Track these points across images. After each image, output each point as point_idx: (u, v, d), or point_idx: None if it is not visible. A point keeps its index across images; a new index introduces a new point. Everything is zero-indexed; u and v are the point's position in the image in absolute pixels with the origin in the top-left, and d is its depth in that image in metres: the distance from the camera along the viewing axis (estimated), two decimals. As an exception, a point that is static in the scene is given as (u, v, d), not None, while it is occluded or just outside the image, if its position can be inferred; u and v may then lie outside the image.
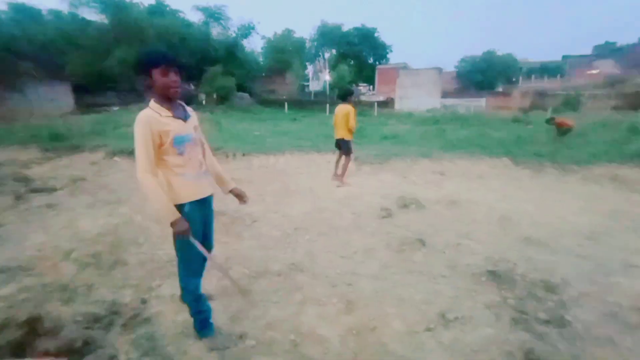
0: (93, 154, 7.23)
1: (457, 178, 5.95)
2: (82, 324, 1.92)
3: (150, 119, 1.61)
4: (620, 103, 23.54)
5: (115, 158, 6.84)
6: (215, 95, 22.62)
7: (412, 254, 2.96)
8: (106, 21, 20.19)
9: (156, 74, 1.63)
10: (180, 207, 1.69)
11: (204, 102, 22.83)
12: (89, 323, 1.94)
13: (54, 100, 16.75)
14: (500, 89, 33.48)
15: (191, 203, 1.74)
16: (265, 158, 7.27)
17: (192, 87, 24.92)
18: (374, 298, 2.31)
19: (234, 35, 27.02)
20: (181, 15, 25.01)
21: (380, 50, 39.70)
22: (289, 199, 4.66)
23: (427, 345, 1.84)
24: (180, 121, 1.71)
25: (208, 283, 2.47)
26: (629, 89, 26.38)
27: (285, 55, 32.44)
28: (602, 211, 4.29)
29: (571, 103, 23.42)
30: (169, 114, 1.68)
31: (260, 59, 34.46)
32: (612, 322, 2.06)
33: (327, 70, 34.65)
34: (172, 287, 2.40)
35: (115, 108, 16.78)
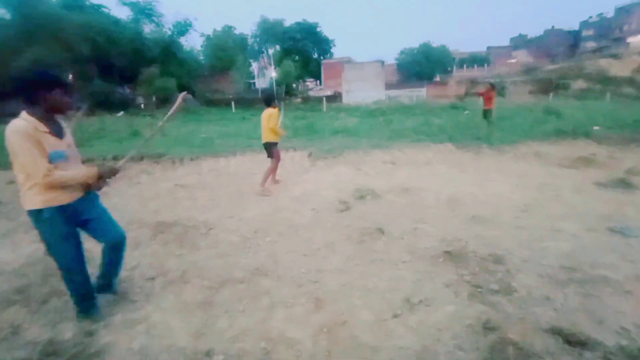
0: (9, 172, 6.28)
1: (407, 166, 6.25)
2: (12, 372, 1.64)
3: (29, 129, 1.66)
4: (535, 88, 26.85)
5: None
6: (154, 98, 21.03)
7: (373, 244, 3.03)
8: (8, 16, 17.54)
9: (59, 92, 1.75)
10: (39, 212, 1.78)
11: (142, 105, 21.11)
12: (20, 371, 1.67)
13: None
14: (437, 79, 35.98)
15: (53, 208, 1.79)
16: (215, 161, 6.95)
17: (128, 90, 22.90)
18: (341, 292, 2.32)
19: (169, 33, 25.27)
20: (105, 10, 22.70)
21: (323, 45, 40.14)
22: (244, 202, 4.51)
23: (397, 332, 1.90)
24: (55, 138, 1.77)
25: (165, 301, 2.29)
26: (541, 75, 30.16)
27: (228, 52, 31.27)
28: (531, 185, 4.83)
29: (497, 89, 26.04)
30: (46, 129, 1.73)
31: (201, 57, 32.77)
32: (547, 283, 2.33)
33: (273, 67, 34.11)
34: (123, 312, 2.18)
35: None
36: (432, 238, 3.05)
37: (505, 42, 60.88)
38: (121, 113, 17.53)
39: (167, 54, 23.76)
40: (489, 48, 56.11)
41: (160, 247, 3.15)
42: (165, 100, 21.01)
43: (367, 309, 2.11)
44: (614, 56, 30.75)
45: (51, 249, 1.93)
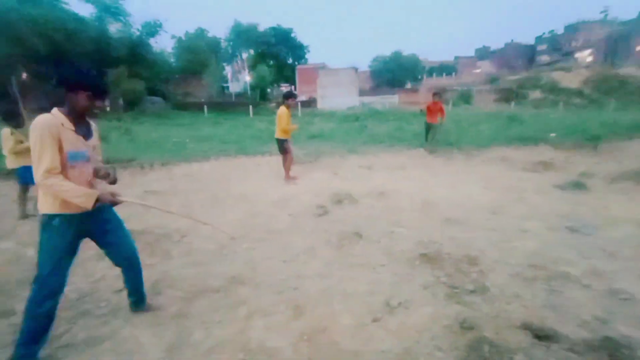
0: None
1: (382, 170, 6.37)
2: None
3: (51, 124, 1.59)
4: (499, 97, 28.53)
5: (-11, 181, 5.49)
6: (121, 101, 20.04)
7: (351, 248, 3.04)
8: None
9: (87, 96, 1.66)
10: (51, 218, 1.67)
11: (108, 108, 20.03)
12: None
13: None
14: (409, 86, 37.19)
15: (65, 216, 1.69)
16: (188, 166, 6.72)
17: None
18: (321, 298, 2.30)
19: (137, 33, 24.23)
20: (65, 6, 21.31)
21: (298, 51, 40.31)
22: (220, 208, 4.38)
23: (377, 335, 1.90)
24: (80, 138, 1.72)
25: (134, 315, 2.15)
26: (503, 85, 32.11)
27: (200, 55, 30.52)
28: (498, 187, 5.08)
29: (465, 97, 27.41)
30: (72, 127, 1.67)
31: (172, 60, 31.75)
32: (517, 280, 2.44)
33: (247, 71, 33.73)
34: (87, 329, 2.02)
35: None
36: (408, 241, 3.11)
37: (471, 53, 64.30)
38: (84, 115, 16.50)
39: (135, 55, 22.71)
40: (456, 58, 58.99)
41: (128, 257, 2.97)
42: (133, 103, 20.07)
43: (348, 314, 2.10)
44: (565, 69, 33.37)
45: (40, 259, 1.70)
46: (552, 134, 9.17)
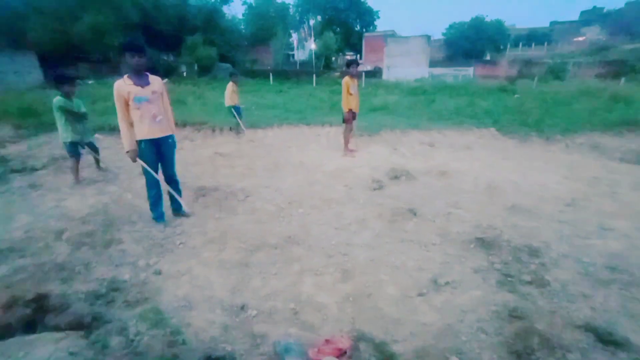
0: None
1: (445, 149, 6.04)
2: (85, 301, 1.94)
3: (117, 85, 2.64)
4: (605, 71, 23.70)
5: (97, 135, 6.57)
6: (196, 66, 21.58)
7: (404, 224, 3.05)
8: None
9: (127, 56, 2.60)
10: (138, 142, 2.77)
11: (184, 73, 21.79)
12: (91, 300, 1.96)
13: (18, 73, 15.43)
14: (488, 57, 33.14)
15: (145, 141, 2.78)
16: (253, 132, 7.16)
17: (172, 57, 23.64)
18: (368, 266, 2.40)
19: (212, 0, 25.34)
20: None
21: (367, 17, 38.17)
22: (280, 173, 4.66)
23: (420, 308, 1.96)
24: (138, 87, 2.67)
25: (206, 257, 2.51)
26: (613, 56, 26.54)
27: (268, 22, 30.85)
28: (582, 178, 4.48)
29: (556, 71, 23.47)
30: (131, 82, 2.66)
31: (242, 26, 32.71)
32: (586, 280, 2.23)
33: (313, 39, 33.32)
34: (170, 263, 2.43)
35: (90, 81, 15.82)
36: (465, 223, 3.01)
37: (575, 17, 54.00)
38: (166, 80, 18.27)
39: (210, 22, 23.96)
40: (552, 23, 50.17)
41: (201, 209, 3.41)
42: (206, 69, 21.49)
43: (393, 285, 2.18)
44: None
45: (143, 169, 2.87)
46: None
